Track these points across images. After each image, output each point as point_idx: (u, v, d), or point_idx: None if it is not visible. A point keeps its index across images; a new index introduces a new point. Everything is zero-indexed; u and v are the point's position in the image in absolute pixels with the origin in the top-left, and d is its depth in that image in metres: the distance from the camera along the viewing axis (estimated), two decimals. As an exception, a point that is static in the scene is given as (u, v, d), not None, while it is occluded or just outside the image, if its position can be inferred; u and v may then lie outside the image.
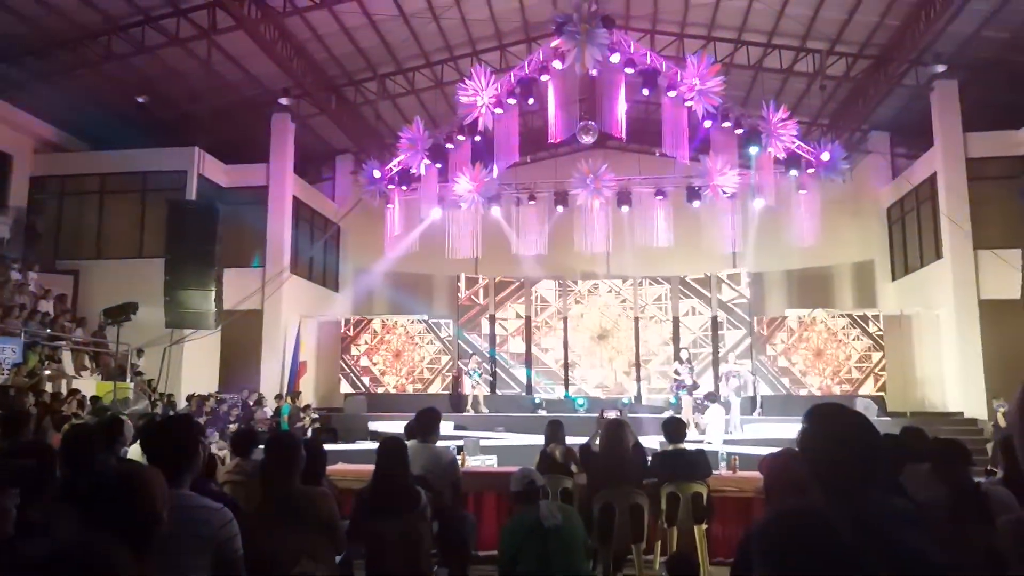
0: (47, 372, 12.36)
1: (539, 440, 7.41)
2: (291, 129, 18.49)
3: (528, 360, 19.15)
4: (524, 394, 18.58)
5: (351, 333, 18.86)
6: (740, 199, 15.56)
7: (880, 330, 17.32)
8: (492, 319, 19.29)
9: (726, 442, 11.42)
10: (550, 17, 14.87)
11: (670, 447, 6.50)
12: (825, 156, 14.60)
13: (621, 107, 14.53)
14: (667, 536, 6.44)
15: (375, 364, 18.70)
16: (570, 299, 19.31)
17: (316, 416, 15.68)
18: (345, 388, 18.54)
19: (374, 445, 4.81)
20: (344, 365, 18.66)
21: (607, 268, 19.48)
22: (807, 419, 2.05)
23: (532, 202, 16.65)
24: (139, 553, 2.16)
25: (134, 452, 5.05)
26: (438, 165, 15.62)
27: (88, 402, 11.11)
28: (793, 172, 14.85)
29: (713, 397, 12.90)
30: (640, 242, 16.28)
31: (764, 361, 17.80)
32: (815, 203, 15.05)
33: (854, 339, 17.39)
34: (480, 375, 17.24)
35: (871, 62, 16.61)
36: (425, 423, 5.59)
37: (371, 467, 4.61)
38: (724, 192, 15.04)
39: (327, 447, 5.95)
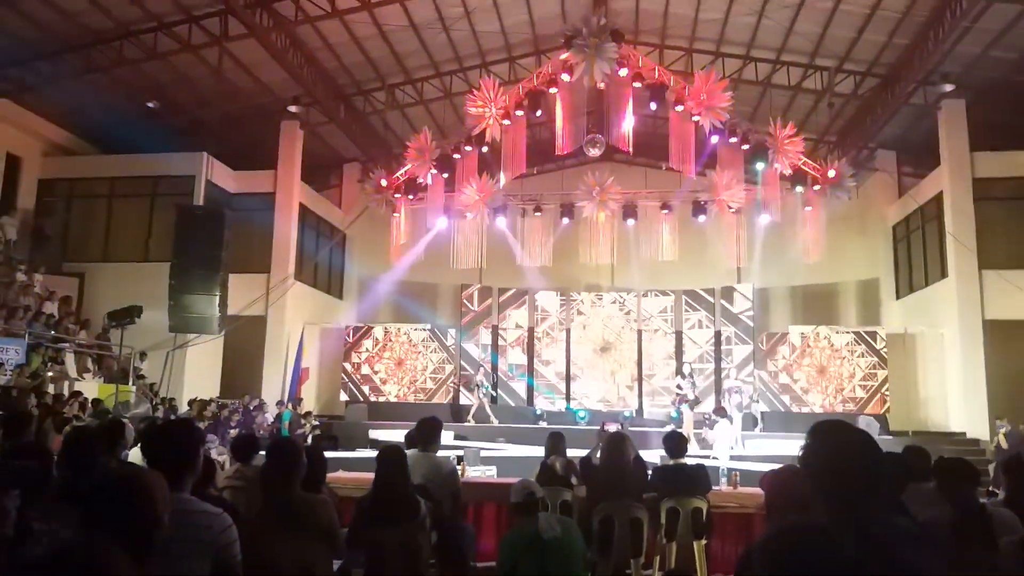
0: (50, 374, 12.38)
1: (540, 452, 7.38)
2: (299, 136, 18.57)
3: (530, 371, 19.12)
4: (525, 405, 18.54)
5: (354, 341, 18.86)
6: (746, 214, 15.55)
7: (884, 348, 17.26)
8: (495, 329, 19.27)
9: (731, 458, 11.39)
10: (560, 30, 14.95)
11: (671, 462, 6.47)
12: (832, 173, 14.60)
13: (628, 121, 14.56)
14: (666, 551, 6.41)
15: (377, 372, 18.69)
16: (573, 311, 19.29)
17: (317, 423, 15.66)
18: (346, 396, 18.52)
19: (374, 453, 4.80)
20: (346, 373, 18.65)
21: (611, 281, 19.46)
22: (810, 435, 2.04)
23: (538, 213, 16.67)
24: (139, 556, 2.16)
25: (135, 455, 5.05)
26: (445, 175, 15.66)
27: (90, 404, 11.11)
28: (799, 188, 14.84)
29: (722, 412, 12.84)
30: (645, 255, 16.27)
31: (766, 377, 17.74)
32: (821, 220, 15.04)
33: (858, 357, 17.34)
34: (488, 387, 17.20)
35: (879, 81, 16.63)
36: (426, 432, 5.57)
37: (371, 475, 4.59)
38: (730, 207, 15.04)
39: (327, 454, 5.94)
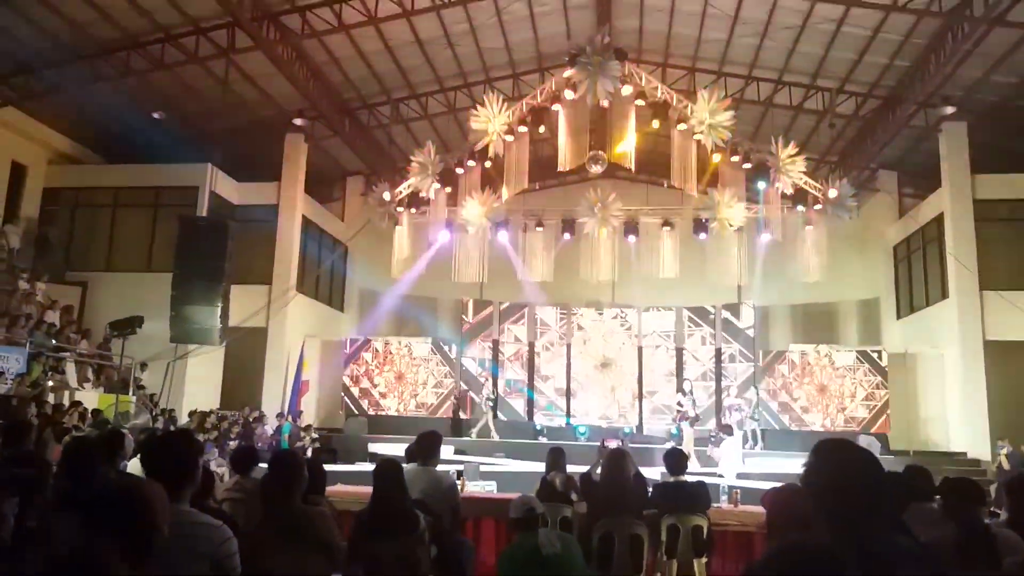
0: (50, 383, 12.35)
1: (540, 467, 7.35)
2: (304, 149, 18.64)
3: (530, 386, 19.09)
4: (525, 421, 18.49)
5: (354, 353, 18.83)
6: (747, 233, 15.57)
7: (884, 368, 17.23)
8: (495, 343, 19.25)
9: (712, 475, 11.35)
10: (563, 48, 15.03)
11: (671, 479, 6.44)
12: (833, 193, 14.62)
13: (631, 138, 14.61)
14: (666, 568, 6.37)
15: (377, 386, 18.65)
16: (573, 326, 19.28)
17: (316, 436, 15.62)
18: (346, 409, 18.47)
19: (373, 467, 4.79)
20: (346, 386, 18.61)
21: (612, 297, 19.46)
22: (813, 453, 2.04)
23: (539, 229, 16.66)
24: (137, 566, 2.15)
25: (134, 466, 5.03)
26: (448, 189, 15.70)
27: (90, 415, 11.08)
28: (800, 208, 14.87)
29: (728, 430, 12.80)
30: (646, 272, 16.27)
31: (766, 396, 17.70)
32: (821, 239, 15.05)
33: (858, 376, 17.31)
34: (495, 402, 17.15)
35: (880, 102, 16.71)
36: (425, 446, 5.56)
37: (370, 489, 4.58)
38: (731, 225, 15.05)
39: (327, 468, 5.92)
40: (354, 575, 4.15)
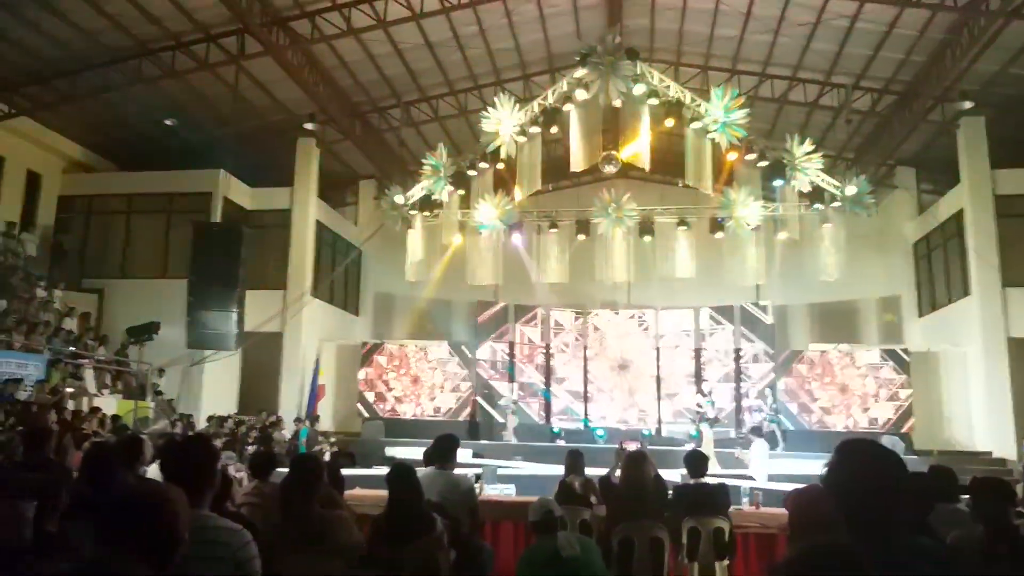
0: (69, 390, 12.47)
1: (558, 470, 7.36)
2: (316, 154, 18.72)
3: (547, 388, 19.09)
4: (542, 423, 18.47)
5: (370, 357, 18.90)
6: (764, 232, 15.50)
7: (907, 367, 17.10)
8: (511, 346, 19.25)
9: (742, 476, 11.29)
10: (574, 48, 15.02)
11: (691, 481, 6.42)
12: (850, 190, 14.53)
13: (644, 138, 14.58)
14: (688, 572, 6.35)
15: (392, 389, 18.70)
16: (589, 328, 19.25)
17: (334, 440, 15.68)
18: (363, 413, 18.54)
19: (391, 471, 4.83)
20: (362, 390, 18.67)
21: (628, 298, 19.41)
22: (836, 453, 2.03)
23: (553, 230, 16.66)
24: (160, 572, 2.17)
25: (153, 472, 5.07)
26: (460, 192, 15.72)
27: (109, 420, 11.19)
28: (818, 206, 14.78)
29: (758, 431, 12.71)
30: (661, 272, 16.23)
31: (785, 396, 17.60)
32: (840, 237, 14.96)
33: (880, 375, 17.18)
34: (515, 403, 17.16)
35: (897, 98, 16.60)
36: (442, 449, 5.57)
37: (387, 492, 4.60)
38: (747, 224, 14.99)
39: (344, 472, 5.95)
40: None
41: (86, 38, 14.23)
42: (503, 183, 15.79)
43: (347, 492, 6.49)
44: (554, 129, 15.00)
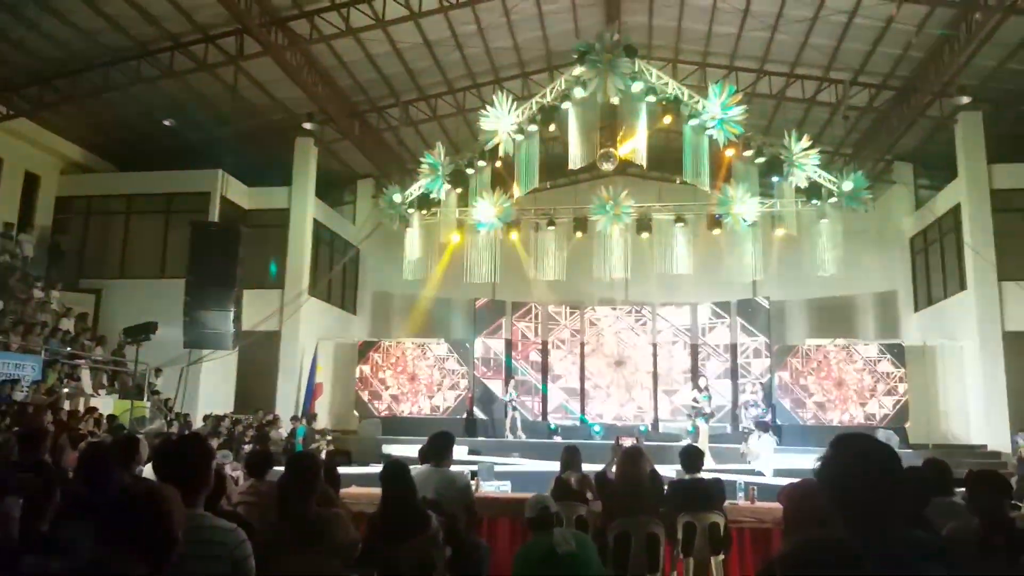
0: (65, 390, 12.47)
1: (554, 466, 7.35)
2: (314, 153, 18.72)
3: (544, 383, 19.09)
4: (539, 420, 18.47)
5: (367, 355, 18.90)
6: (761, 227, 15.50)
7: (903, 361, 17.10)
8: (508, 343, 19.25)
9: (749, 471, 11.31)
10: (573, 46, 15.01)
11: (686, 476, 6.42)
12: (847, 186, 14.53)
13: (642, 135, 14.58)
14: (683, 567, 6.35)
15: (390, 387, 18.70)
16: (586, 324, 19.25)
17: (330, 438, 15.68)
18: (359, 411, 18.54)
19: (388, 469, 4.83)
20: (359, 388, 18.67)
21: (626, 294, 19.42)
22: (832, 447, 2.02)
23: (551, 227, 16.68)
24: (155, 572, 2.16)
25: (149, 472, 5.06)
26: (458, 190, 15.71)
27: (105, 420, 11.17)
28: (815, 201, 14.78)
29: (764, 425, 12.73)
30: (659, 269, 16.23)
31: (783, 391, 17.61)
32: (837, 233, 14.96)
33: (876, 369, 17.19)
34: (516, 395, 17.16)
35: (895, 93, 16.58)
36: (438, 447, 5.56)
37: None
38: (745, 220, 15.00)
39: (340, 470, 5.95)
40: (368, 576, 4.16)
41: (85, 38, 14.20)
42: (501, 181, 15.79)
43: (343, 490, 6.48)
44: (552, 127, 15.01)
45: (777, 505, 6.31)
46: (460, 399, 18.54)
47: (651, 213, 16.28)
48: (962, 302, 16.57)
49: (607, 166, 15.47)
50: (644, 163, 14.83)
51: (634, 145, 14.66)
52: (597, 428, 17.47)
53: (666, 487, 6.29)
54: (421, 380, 18.70)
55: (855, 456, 1.99)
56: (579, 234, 16.49)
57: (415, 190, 16.04)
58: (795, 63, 16.46)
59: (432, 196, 15.81)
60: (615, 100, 14.59)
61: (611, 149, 15.05)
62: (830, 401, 17.34)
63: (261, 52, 14.70)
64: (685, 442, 12.95)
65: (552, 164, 17.05)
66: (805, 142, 14.43)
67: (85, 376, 13.70)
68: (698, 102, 14.34)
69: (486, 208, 15.55)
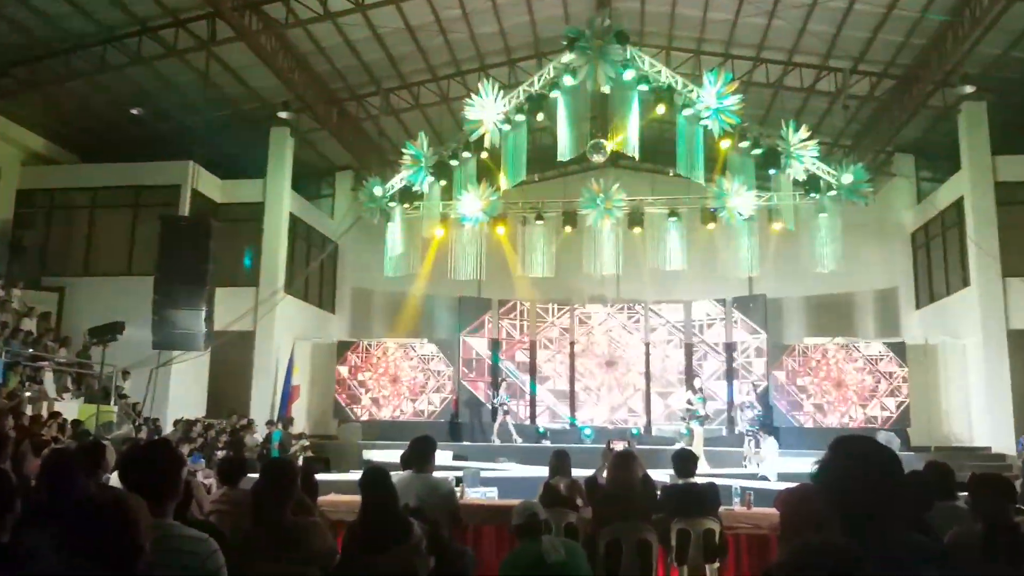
0: (28, 394, 12.34)
1: (543, 471, 7.36)
2: (290, 144, 18.62)
3: (532, 384, 19.12)
4: (527, 423, 18.49)
5: (347, 356, 18.84)
6: (758, 222, 15.56)
7: (903, 361, 17.23)
8: (494, 343, 19.26)
9: (748, 476, 11.38)
10: (562, 32, 15.00)
11: (680, 481, 6.44)
12: (847, 178, 14.61)
13: (634, 125, 14.59)
14: (677, 575, 6.37)
15: (370, 390, 18.66)
16: (576, 323, 19.28)
17: (308, 443, 15.64)
18: (339, 415, 18.48)
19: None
20: (338, 390, 18.62)
21: (617, 292, 19.46)
22: (831, 450, 2.04)
23: (539, 222, 16.67)
24: (123, 582, 2.15)
25: (116, 479, 5.02)
26: (442, 182, 15.68)
27: (69, 426, 11.08)
28: (813, 194, 14.86)
29: (770, 429, 12.81)
30: (652, 265, 16.27)
31: (779, 392, 17.70)
32: (836, 227, 15.04)
33: (876, 369, 17.30)
34: (507, 399, 17.16)
35: (896, 82, 16.69)
36: (419, 452, 5.56)
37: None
38: (740, 214, 15.06)
39: (318, 477, 5.93)
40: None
41: (47, 23, 14.06)
42: (487, 173, 15.77)
43: (322, 498, 6.46)
44: (540, 116, 14.96)
45: (774, 511, 6.37)
46: (445, 402, 18.53)
47: (643, 207, 16.31)
48: (965, 299, 16.71)
49: (597, 158, 15.46)
50: (636, 155, 14.82)
51: (626, 136, 14.66)
52: (587, 431, 17.51)
53: (659, 492, 6.31)
54: (403, 382, 18.68)
55: (854, 459, 2.00)
56: (568, 228, 16.50)
57: (397, 182, 15.99)
58: (793, 50, 16.54)
59: (414, 189, 15.76)
60: (606, 89, 14.59)
61: (602, 140, 15.04)
62: (829, 403, 17.45)
63: (234, 37, 14.61)
64: (679, 445, 13.01)
65: (540, 155, 17.04)
66: (803, 133, 14.48)
67: (48, 379, 13.57)
68: (692, 91, 14.37)
69: (471, 201, 15.53)
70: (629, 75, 14.33)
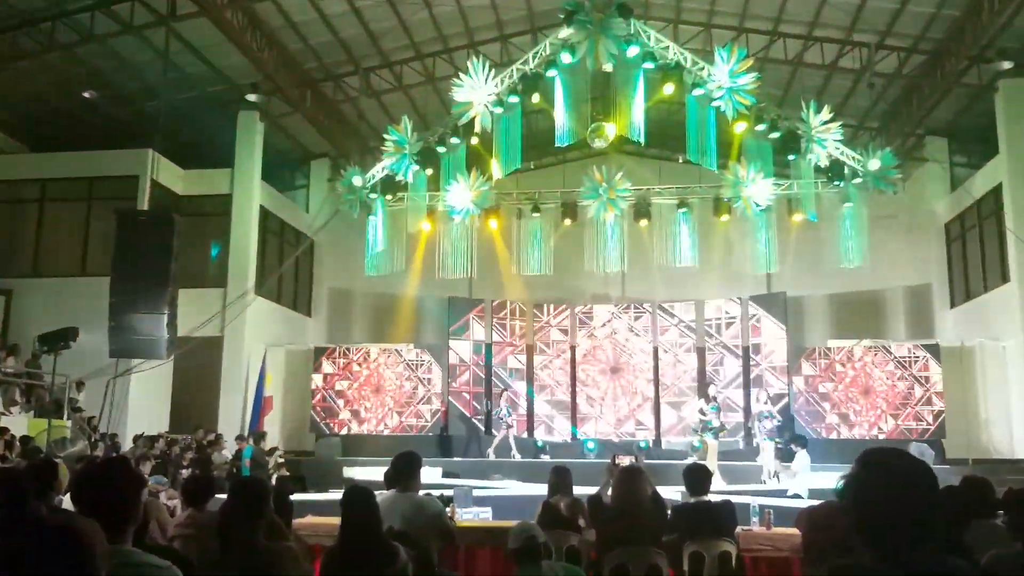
0: (-28, 408, 12.32)
1: (542, 489, 7.36)
2: (260, 130, 18.62)
3: (530, 392, 19.13)
4: (525, 435, 18.49)
5: (324, 364, 18.82)
6: (776, 213, 15.58)
7: (938, 364, 17.26)
8: (488, 348, 19.26)
9: (767, 492, 11.40)
10: (559, 5, 15.00)
11: (692, 499, 6.45)
12: (874, 164, 14.65)
13: (639, 107, 14.61)
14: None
15: (351, 401, 18.64)
16: (577, 325, 19.29)
17: (282, 460, 15.63)
18: (316, 429, 18.47)
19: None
20: (315, 402, 18.60)
21: (622, 291, 19.46)
22: (859, 464, 2.03)
23: (536, 214, 16.69)
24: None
25: (70, 501, 5.02)
26: (428, 171, 15.68)
27: (18, 442, 11.06)
28: (837, 182, 14.88)
29: (802, 441, 12.81)
30: (660, 261, 16.28)
31: (802, 400, 17.73)
32: (862, 218, 15.07)
33: (908, 374, 17.33)
34: (511, 413, 17.18)
35: (926, 58, 16.72)
36: (403, 469, 5.56)
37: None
38: (757, 205, 15.08)
39: (293, 498, 5.93)
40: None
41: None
42: (478, 161, 15.79)
43: (297, 520, 6.46)
44: (536, 98, 14.99)
45: (796, 531, 6.37)
46: (435, 414, 18.51)
47: (650, 197, 16.32)
48: (1004, 296, 16.75)
49: (599, 143, 15.50)
50: (642, 140, 14.86)
51: (630, 119, 14.68)
52: (591, 444, 17.52)
53: (669, 512, 6.31)
54: (387, 392, 18.66)
55: (884, 474, 2.00)
56: (568, 221, 16.51)
57: (378, 172, 15.98)
58: (814, 23, 16.55)
59: (398, 179, 15.76)
60: (608, 67, 14.61)
61: (603, 123, 15.07)
62: (856, 412, 17.47)
63: (197, 12, 14.56)
64: (691, 460, 13.03)
65: (536, 141, 17.06)
66: (825, 114, 14.51)
67: (-7, 391, 13.55)
68: (703, 69, 14.39)
69: (460, 192, 15.53)
70: (633, 51, 14.34)
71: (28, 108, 17.43)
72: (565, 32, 14.51)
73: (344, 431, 18.35)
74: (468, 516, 8.20)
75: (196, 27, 15.25)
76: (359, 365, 18.85)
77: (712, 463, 13.52)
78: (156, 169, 17.07)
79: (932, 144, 19.78)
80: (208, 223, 18.13)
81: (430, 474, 12.87)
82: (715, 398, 15.39)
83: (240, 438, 15.71)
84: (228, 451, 15.32)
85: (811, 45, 17.12)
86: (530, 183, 17.89)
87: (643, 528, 5.83)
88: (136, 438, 14.46)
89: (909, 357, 17.50)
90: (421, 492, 5.66)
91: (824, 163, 14.76)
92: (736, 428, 17.43)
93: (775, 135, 14.70)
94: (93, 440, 13.50)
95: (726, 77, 14.20)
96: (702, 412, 15.13)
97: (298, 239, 20.72)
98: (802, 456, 12.23)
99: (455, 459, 16.42)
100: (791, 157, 14.92)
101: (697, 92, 14.46)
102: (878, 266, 16.41)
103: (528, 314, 19.45)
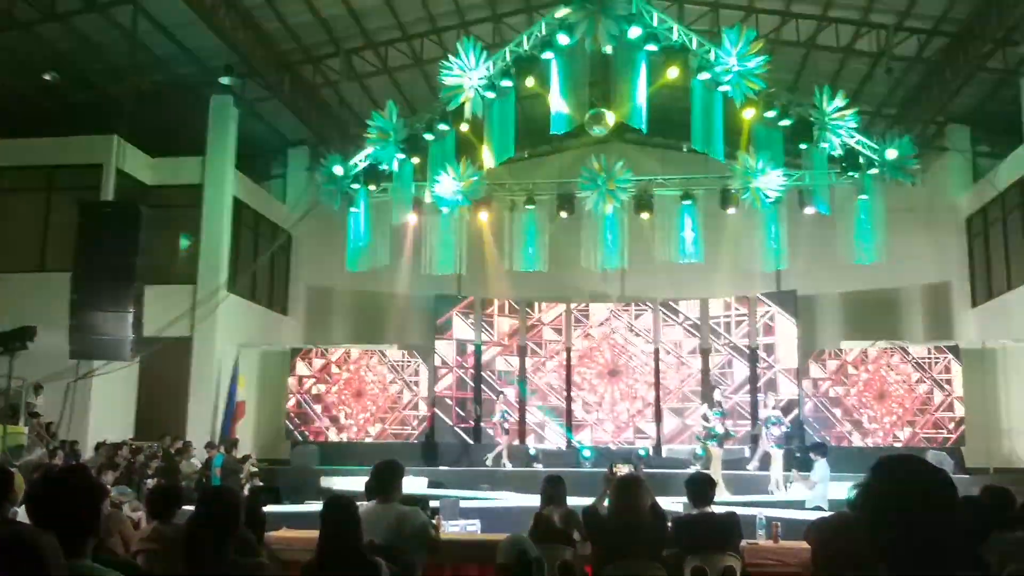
0: (-78, 413, 12.28)
1: (534, 500, 7.37)
2: (234, 115, 18.61)
3: (522, 398, 19.15)
4: (516, 442, 18.51)
5: (301, 367, 18.81)
6: (787, 206, 15.61)
7: (958, 367, 17.33)
8: (478, 350, 19.28)
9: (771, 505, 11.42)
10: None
11: (695, 511, 6.46)
12: (891, 153, 14.69)
13: (641, 92, 14.62)
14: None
15: (330, 406, 18.64)
16: (573, 325, 19.32)
17: (255, 469, 15.62)
18: (292, 436, 18.47)
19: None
20: (292, 407, 18.60)
21: (622, 289, 19.48)
22: (873, 473, 2.03)
23: (530, 206, 16.70)
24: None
25: (25, 513, 5.00)
26: (415, 160, 15.67)
27: (-28, 450, 11.03)
28: (852, 173, 14.92)
29: (821, 449, 12.84)
30: (662, 257, 16.30)
31: (813, 405, 17.78)
32: (878, 211, 15.11)
33: (926, 377, 17.39)
34: (507, 417, 17.19)
35: (948, 40, 16.76)
36: (383, 479, 5.56)
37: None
38: (766, 197, 15.11)
39: (267, 509, 5.92)
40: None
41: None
42: (468, 149, 15.78)
43: (271, 534, 6.45)
44: (531, 82, 15.00)
45: (805, 545, 6.37)
46: (421, 420, 18.52)
47: (652, 188, 16.34)
48: (1030, 295, 16.83)
49: (598, 130, 15.50)
50: (644, 127, 14.88)
51: (631, 105, 14.70)
52: (587, 452, 17.54)
53: (670, 524, 6.33)
54: (369, 396, 18.66)
55: (900, 484, 1.99)
56: (564, 214, 16.52)
57: (360, 160, 15.98)
58: (828, 3, 16.58)
59: (382, 168, 15.76)
60: (608, 49, 14.62)
61: (603, 109, 15.08)
62: (870, 418, 17.53)
63: (166, -12, 14.55)
64: (693, 469, 13.07)
65: (531, 128, 17.05)
66: (840, 101, 14.56)
67: (-55, 396, 13.50)
68: (710, 51, 14.41)
69: (449, 182, 15.54)
70: (635, 32, 14.35)
71: (-17, 91, 17.37)
72: (562, 11, 14.52)
73: (322, 438, 18.34)
74: (455, 529, 8.22)
75: (165, 4, 15.18)
76: (339, 367, 18.85)
77: (716, 472, 13.56)
78: (122, 157, 17.02)
79: (953, 133, 19.84)
80: (177, 215, 18.08)
81: (415, 484, 12.93)
82: (719, 403, 15.44)
83: (210, 446, 15.70)
84: (197, 460, 15.31)
85: (825, 26, 17.14)
86: (524, 173, 17.90)
87: (642, 542, 5.83)
88: (98, 446, 14.43)
89: (928, 359, 17.56)
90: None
91: (838, 152, 14.80)
92: (745, 436, 17.47)
93: (786, 122, 14.73)
94: (52, 448, 13.47)
95: (734, 60, 14.22)
96: (705, 418, 15.19)
97: (274, 232, 20.69)
98: (821, 466, 12.26)
99: (441, 468, 16.43)
100: (803, 146, 14.96)
101: (703, 76, 14.48)
102: (895, 263, 16.45)
103: (520, 312, 19.46)
